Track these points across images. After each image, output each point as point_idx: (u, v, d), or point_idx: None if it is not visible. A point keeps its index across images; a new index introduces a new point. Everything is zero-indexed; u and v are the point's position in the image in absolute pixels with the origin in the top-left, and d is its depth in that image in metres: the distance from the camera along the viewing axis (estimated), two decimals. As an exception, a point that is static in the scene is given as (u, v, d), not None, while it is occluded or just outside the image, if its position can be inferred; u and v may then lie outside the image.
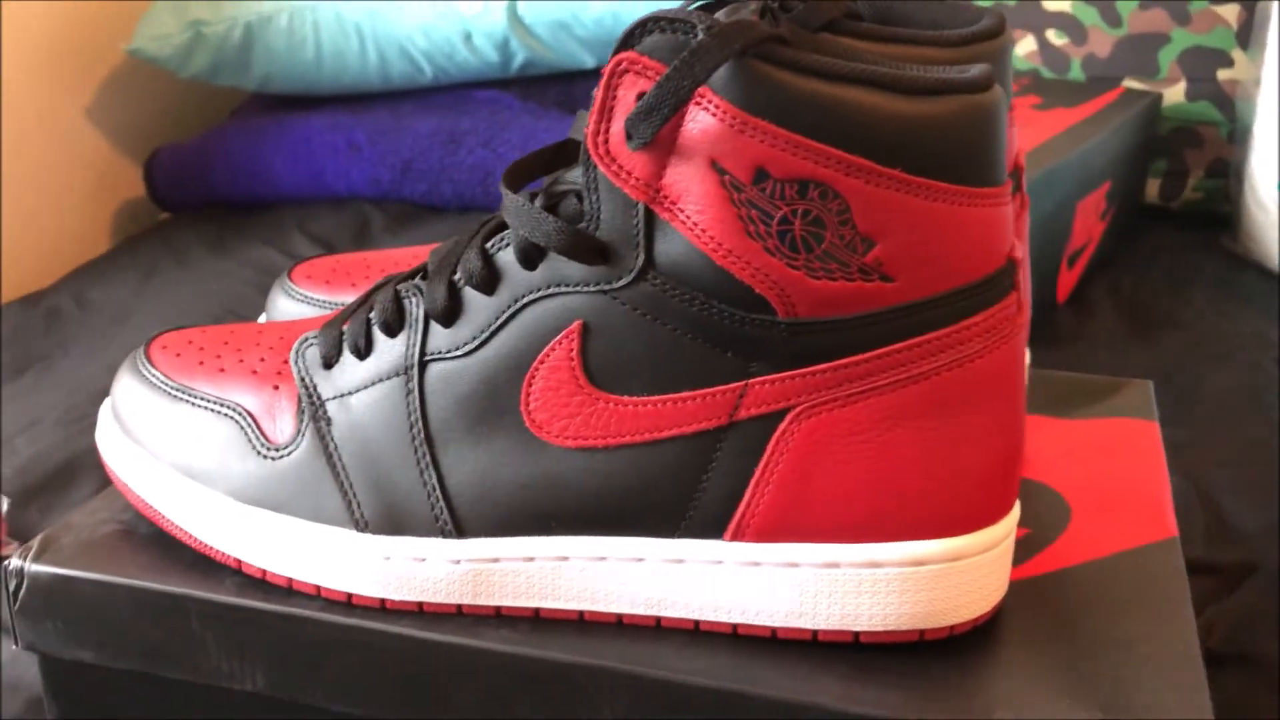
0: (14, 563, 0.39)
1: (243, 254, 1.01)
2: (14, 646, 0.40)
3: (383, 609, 0.36)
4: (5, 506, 0.63)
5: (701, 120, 0.31)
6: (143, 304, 0.94)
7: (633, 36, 0.32)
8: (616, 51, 0.32)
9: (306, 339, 0.38)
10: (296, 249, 1.01)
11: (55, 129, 1.11)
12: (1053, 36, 1.05)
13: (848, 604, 0.34)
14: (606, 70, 0.32)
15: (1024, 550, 0.40)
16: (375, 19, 1.09)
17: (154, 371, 0.40)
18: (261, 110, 1.17)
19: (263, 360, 0.40)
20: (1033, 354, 0.80)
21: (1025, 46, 1.06)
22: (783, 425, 0.33)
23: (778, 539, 0.34)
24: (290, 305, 0.49)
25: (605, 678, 0.34)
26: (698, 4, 0.37)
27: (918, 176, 0.31)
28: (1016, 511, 0.36)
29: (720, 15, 0.35)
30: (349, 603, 0.37)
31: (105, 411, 0.41)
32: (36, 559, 0.39)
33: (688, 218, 0.32)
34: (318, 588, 0.37)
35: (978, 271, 0.33)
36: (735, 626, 0.35)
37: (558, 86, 1.16)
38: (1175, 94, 1.01)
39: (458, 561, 0.35)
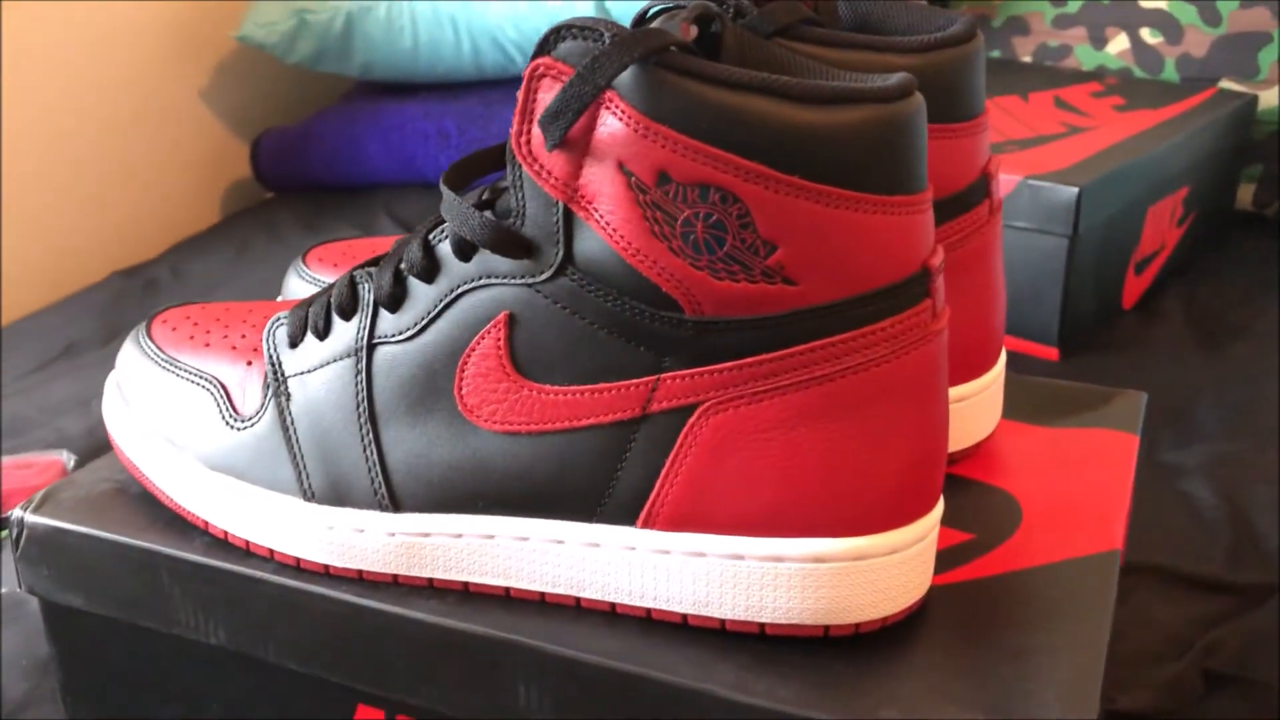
0: (15, 513, 0.43)
1: (331, 234, 1.06)
2: (18, 589, 0.44)
3: (327, 574, 0.39)
4: (71, 464, 0.68)
5: (610, 124, 0.33)
6: (233, 277, 1.00)
7: (548, 42, 0.33)
8: (534, 56, 0.33)
9: (278, 319, 0.41)
10: (382, 231, 1.05)
11: (171, 110, 1.18)
12: (1146, 35, 1.02)
13: (752, 596, 0.35)
14: (526, 73, 0.33)
15: (964, 554, 0.40)
16: (469, 10, 1.12)
17: (149, 343, 0.43)
18: (362, 97, 1.22)
19: (243, 337, 0.42)
20: (1090, 359, 0.79)
21: (1117, 45, 1.03)
22: (692, 419, 0.34)
23: (686, 529, 0.35)
24: (301, 286, 0.52)
25: (519, 652, 0.36)
26: (659, 9, 0.39)
27: (817, 183, 0.32)
28: (933, 517, 0.36)
29: (659, 21, 0.36)
30: (298, 567, 0.39)
31: (111, 379, 0.45)
32: (35, 510, 0.43)
33: (601, 217, 0.34)
34: (271, 551, 0.39)
35: (884, 278, 0.33)
36: (649, 611, 0.36)
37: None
38: (1273, 96, 0.98)
39: (393, 534, 0.38)
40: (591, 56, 0.32)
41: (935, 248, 0.35)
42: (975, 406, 0.45)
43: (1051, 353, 0.81)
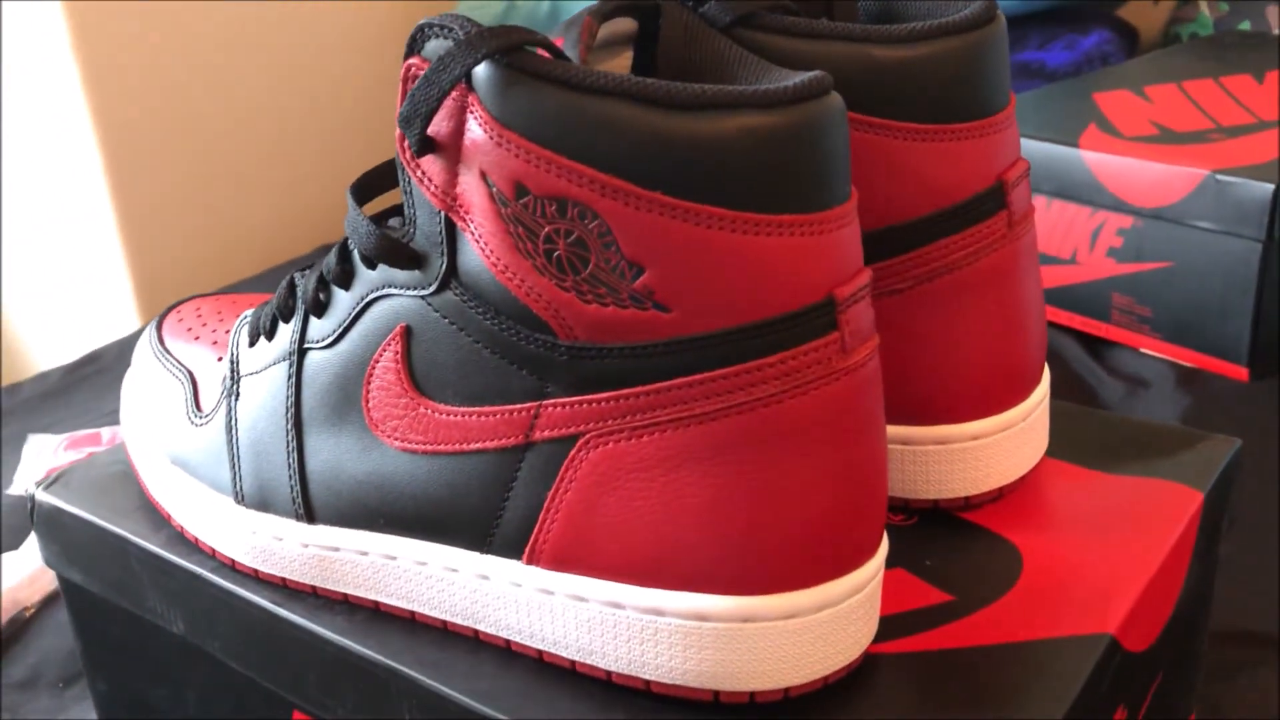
0: (30, 488, 0.45)
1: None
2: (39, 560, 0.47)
3: (257, 578, 0.39)
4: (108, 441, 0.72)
5: (472, 129, 0.30)
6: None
7: (415, 41, 0.31)
8: (405, 55, 0.31)
9: (245, 316, 0.41)
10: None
11: (392, 88, 1.22)
12: None
13: (634, 649, 0.32)
14: (400, 75, 0.31)
15: (934, 618, 0.35)
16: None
17: (155, 331, 0.45)
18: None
19: (227, 332, 0.43)
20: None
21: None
22: (573, 451, 0.31)
23: (568, 569, 0.32)
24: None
25: (403, 680, 0.34)
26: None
27: (685, 200, 0.28)
28: (850, 580, 0.31)
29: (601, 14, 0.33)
30: (234, 568, 0.39)
31: (130, 367, 0.46)
32: (46, 489, 0.45)
33: (474, 230, 0.31)
34: (213, 550, 0.40)
35: (773, 308, 0.29)
36: (541, 653, 0.34)
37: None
38: None
39: (306, 545, 0.37)
40: (439, 57, 0.29)
41: (856, 273, 0.30)
42: (993, 447, 0.39)
43: (1240, 372, 0.71)
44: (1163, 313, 0.75)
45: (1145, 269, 0.75)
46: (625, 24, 0.35)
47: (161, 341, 0.44)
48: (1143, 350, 0.76)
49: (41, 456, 0.72)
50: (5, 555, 0.62)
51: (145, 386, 0.43)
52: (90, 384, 0.86)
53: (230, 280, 1.06)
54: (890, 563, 0.38)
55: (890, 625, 0.35)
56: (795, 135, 0.29)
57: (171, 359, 0.43)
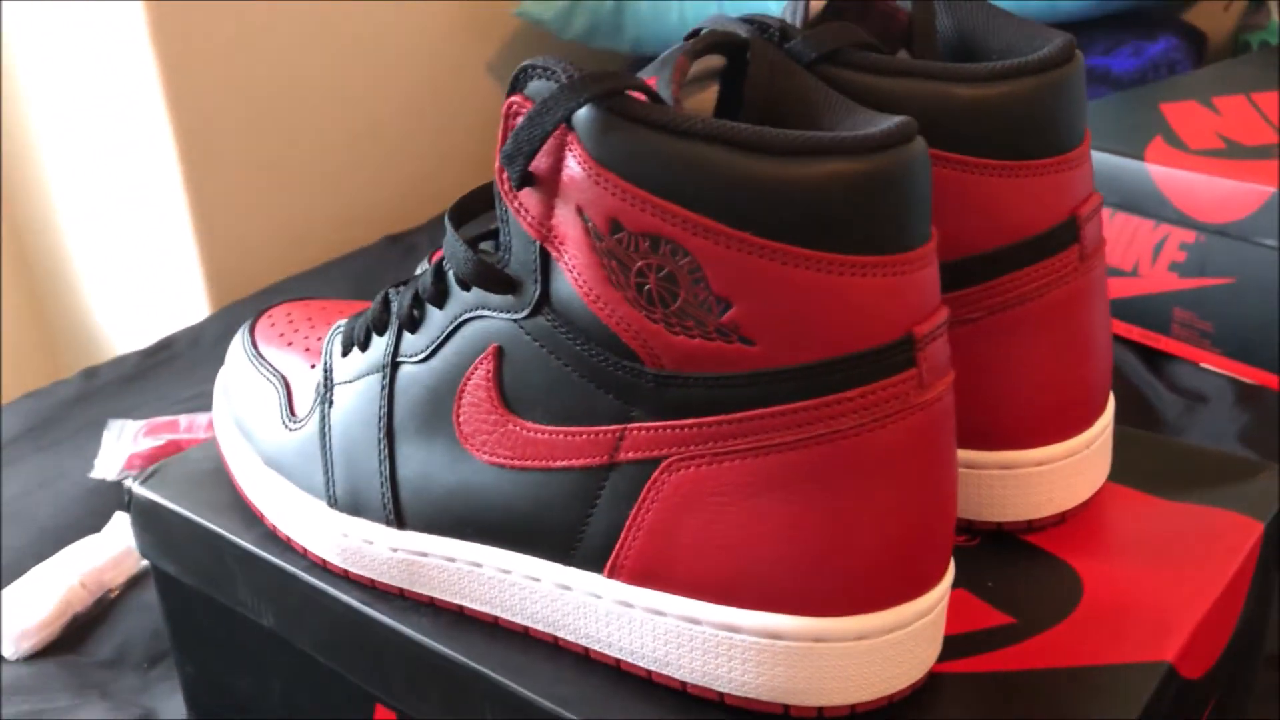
0: (128, 482, 0.47)
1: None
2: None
3: (346, 579, 0.40)
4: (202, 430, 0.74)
5: (571, 166, 0.32)
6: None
7: (518, 80, 0.32)
8: (509, 93, 0.33)
9: (338, 326, 0.43)
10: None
11: (453, 84, 1.24)
12: None
13: (709, 662, 0.33)
14: (502, 110, 0.33)
15: (996, 640, 0.37)
16: (733, -13, 1.11)
17: (248, 336, 0.47)
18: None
19: (320, 339, 0.45)
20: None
21: None
22: (656, 473, 0.33)
23: (647, 584, 0.34)
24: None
25: (485, 682, 0.36)
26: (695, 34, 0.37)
27: (772, 240, 0.30)
28: (918, 605, 0.33)
29: (687, 48, 0.34)
30: (325, 568, 0.41)
31: (223, 366, 0.48)
32: (143, 483, 0.47)
33: (568, 260, 0.33)
34: (305, 550, 0.42)
35: (855, 344, 0.31)
36: (619, 662, 0.36)
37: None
38: None
39: (396, 550, 0.39)
40: (542, 99, 0.31)
41: (934, 311, 0.32)
42: (1058, 473, 0.40)
43: (1306, 393, 0.71)
44: (1224, 329, 0.75)
45: (1208, 284, 0.75)
46: (712, 60, 0.36)
47: (255, 345, 0.46)
48: (1203, 365, 0.77)
49: (121, 442, 0.74)
50: (91, 538, 0.64)
51: (239, 388, 0.45)
52: (165, 370, 0.88)
53: (299, 270, 1.08)
54: (953, 583, 0.39)
55: (953, 645, 0.36)
56: (881, 181, 0.30)
57: (265, 363, 0.45)
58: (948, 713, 0.34)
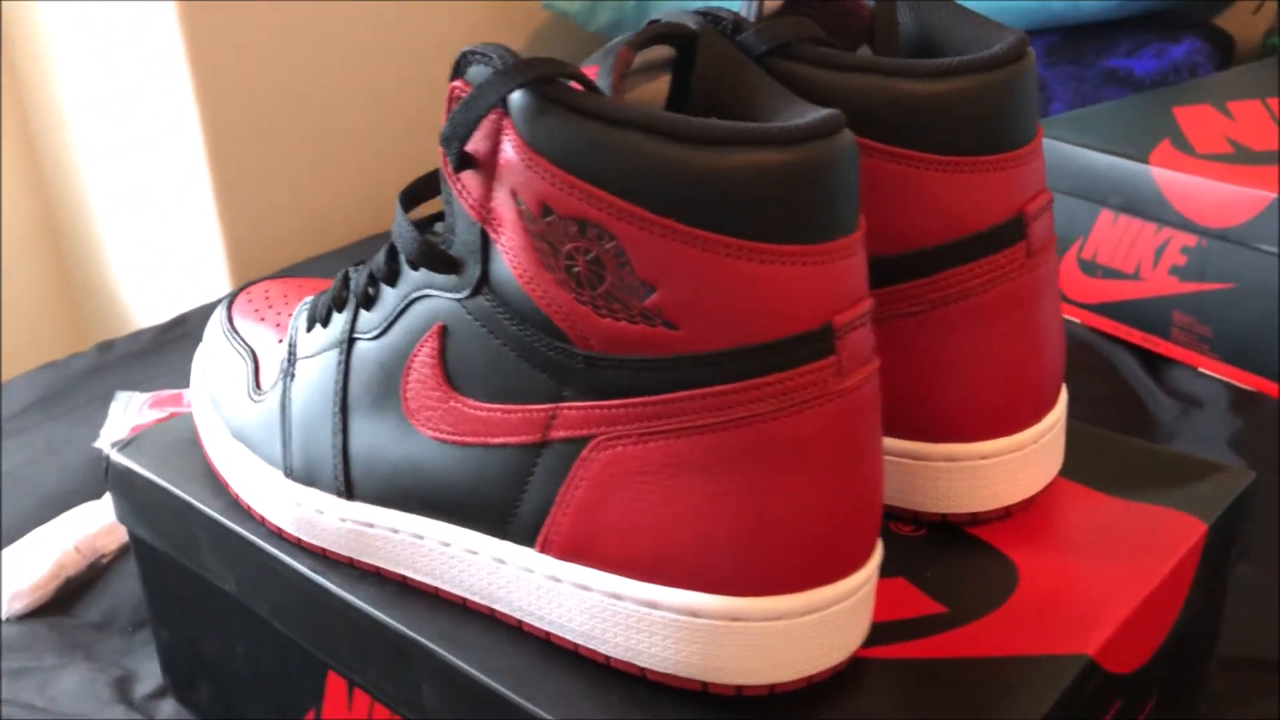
0: (105, 449, 0.49)
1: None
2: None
3: (300, 547, 0.42)
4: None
5: (506, 150, 0.32)
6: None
7: (459, 66, 0.33)
8: (451, 78, 0.33)
9: (306, 302, 0.44)
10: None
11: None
12: None
13: (631, 638, 0.34)
14: (446, 95, 0.34)
15: (924, 628, 0.37)
16: (753, -19, 1.11)
17: (226, 310, 0.48)
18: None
19: (291, 315, 0.46)
20: None
21: None
22: (585, 452, 0.34)
23: (575, 559, 0.35)
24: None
25: (420, 650, 0.37)
26: (651, 21, 0.37)
27: (695, 228, 0.30)
28: (837, 589, 0.33)
29: (644, 38, 0.35)
30: (281, 536, 0.42)
31: (203, 340, 0.50)
32: (120, 450, 0.48)
33: (505, 242, 0.34)
34: (263, 518, 0.43)
35: (774, 331, 0.31)
36: (549, 635, 0.36)
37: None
38: None
39: (344, 520, 0.40)
40: (478, 85, 0.32)
41: (857, 301, 0.32)
42: (1003, 467, 0.41)
43: (1303, 399, 0.71)
44: (1223, 334, 0.75)
45: (1207, 289, 0.75)
46: (665, 51, 0.37)
47: (231, 320, 0.47)
48: (1201, 370, 0.76)
49: (127, 413, 0.76)
50: (88, 505, 0.66)
51: (213, 361, 0.46)
52: (178, 345, 0.90)
53: (318, 251, 1.10)
54: (892, 572, 0.39)
55: (882, 632, 0.37)
56: (802, 172, 0.30)
57: (238, 337, 0.46)
58: (866, 698, 0.35)
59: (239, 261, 1.11)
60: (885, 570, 0.39)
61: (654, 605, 0.34)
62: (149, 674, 0.55)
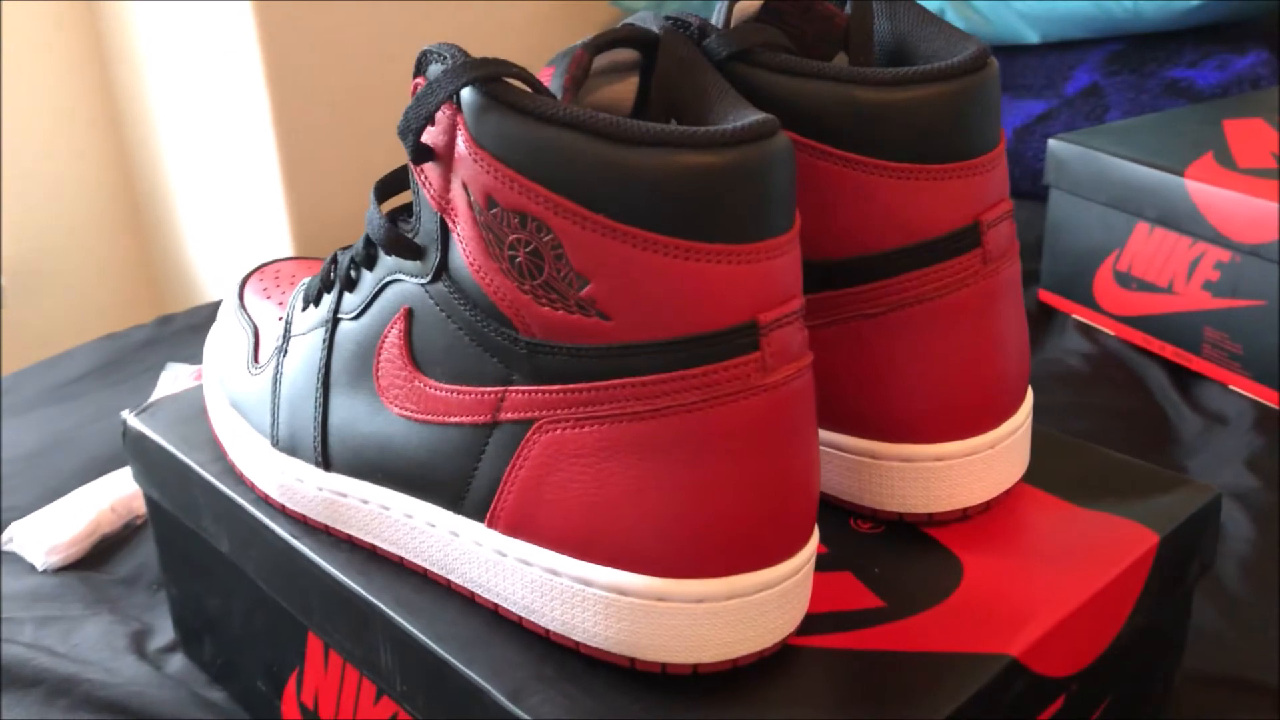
0: (124, 413, 0.52)
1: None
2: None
3: (284, 513, 0.44)
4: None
5: (459, 145, 0.34)
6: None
7: (419, 64, 0.35)
8: (414, 75, 0.35)
9: (304, 282, 0.46)
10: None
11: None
12: None
13: (567, 612, 0.36)
14: (410, 90, 0.36)
15: (858, 620, 0.38)
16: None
17: (238, 287, 0.51)
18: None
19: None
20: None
21: None
22: (528, 434, 0.36)
23: (518, 535, 0.37)
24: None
25: (378, 616, 0.39)
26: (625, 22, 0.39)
27: (625, 224, 0.32)
28: (760, 577, 0.35)
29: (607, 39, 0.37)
30: (267, 502, 0.45)
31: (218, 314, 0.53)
32: (137, 415, 0.52)
33: (459, 231, 0.35)
34: (253, 484, 0.45)
35: (700, 325, 0.33)
36: (497, 607, 0.38)
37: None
38: None
39: (321, 489, 0.42)
40: (430, 81, 0.34)
41: (786, 299, 0.34)
42: (957, 469, 0.41)
43: (1321, 420, 0.70)
44: (1254, 351, 0.74)
45: (1239, 305, 0.74)
46: (632, 53, 0.39)
47: (241, 296, 0.50)
48: (1231, 387, 0.75)
49: (176, 384, 0.80)
50: (126, 469, 0.70)
51: (222, 335, 0.49)
52: (233, 321, 0.94)
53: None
54: (839, 565, 0.41)
55: (817, 622, 0.38)
56: (730, 174, 0.32)
57: (245, 313, 0.49)
58: (788, 682, 0.36)
59: (301, 242, 1.15)
60: (833, 563, 0.41)
61: (587, 583, 0.35)
62: (164, 629, 0.58)
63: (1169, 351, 0.79)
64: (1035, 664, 0.37)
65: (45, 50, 1.20)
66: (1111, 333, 0.83)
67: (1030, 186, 1.02)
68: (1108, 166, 0.80)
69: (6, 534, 0.66)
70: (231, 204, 1.21)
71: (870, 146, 0.38)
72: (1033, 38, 1.10)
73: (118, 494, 0.67)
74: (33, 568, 0.64)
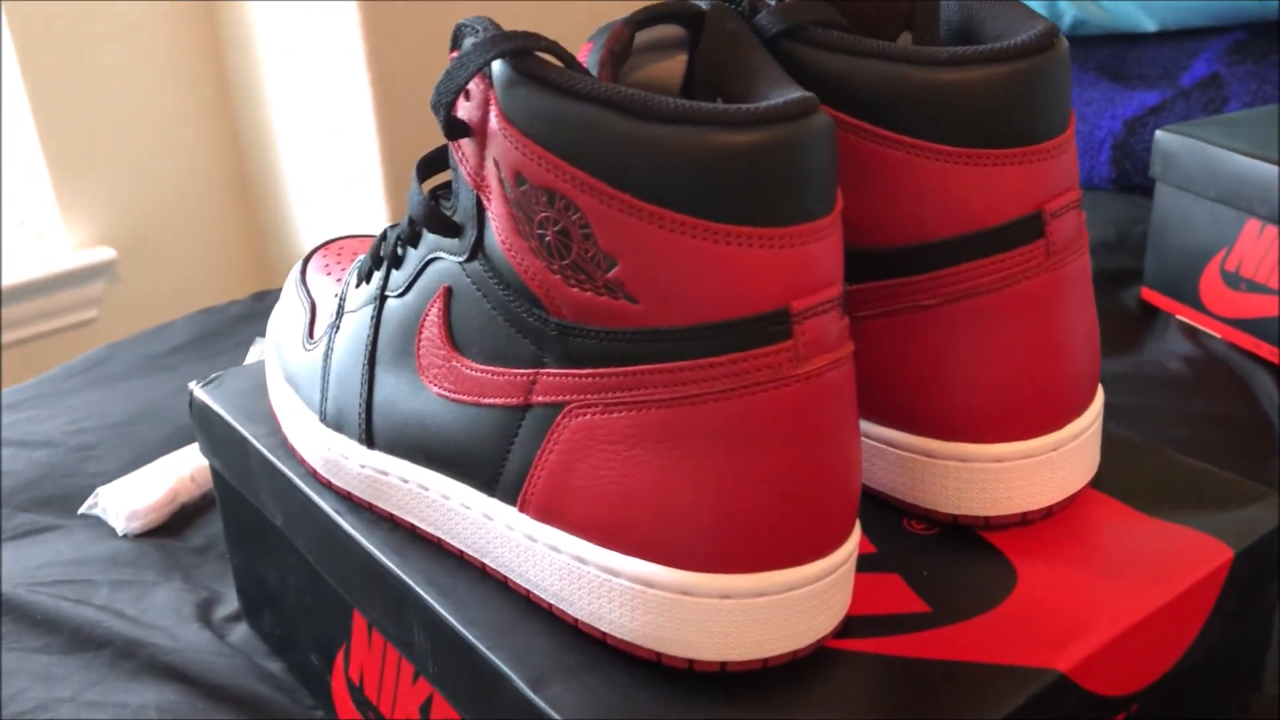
0: (191, 384, 0.53)
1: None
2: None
3: (330, 489, 0.44)
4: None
5: (491, 121, 0.34)
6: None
7: (455, 38, 0.35)
8: (450, 50, 0.35)
9: (360, 259, 0.46)
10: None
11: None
12: None
13: (594, 602, 0.35)
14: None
15: (902, 625, 0.37)
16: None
17: (303, 263, 0.51)
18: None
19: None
20: None
21: None
22: (559, 417, 0.35)
23: (547, 521, 0.36)
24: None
25: (412, 596, 0.39)
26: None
27: (651, 204, 0.31)
28: (791, 575, 0.33)
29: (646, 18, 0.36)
30: (315, 477, 0.45)
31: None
32: (202, 387, 0.52)
33: (493, 209, 0.35)
34: (303, 459, 0.45)
35: (729, 311, 0.31)
36: (529, 593, 0.38)
37: (1107, 49, 1.08)
38: None
39: (364, 466, 0.42)
40: (459, 55, 0.33)
41: (824, 286, 0.32)
42: (1016, 472, 0.39)
43: None
44: (1371, 358, 0.69)
45: (1357, 309, 0.70)
46: (678, 29, 0.37)
47: (304, 272, 0.50)
48: (1344, 395, 0.71)
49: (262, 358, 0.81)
50: (208, 439, 0.71)
51: (283, 309, 0.49)
52: (325, 299, 0.95)
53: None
54: (889, 567, 0.39)
55: (859, 625, 0.36)
56: (762, 154, 0.30)
57: (305, 289, 0.49)
58: (819, 686, 0.34)
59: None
60: (881, 564, 0.39)
61: (613, 572, 0.34)
62: (232, 598, 0.59)
63: (1278, 356, 0.75)
64: (1087, 681, 0.35)
65: (165, 40, 1.24)
66: (1217, 335, 0.78)
67: (1140, 179, 0.98)
68: (1217, 160, 0.76)
69: (93, 498, 0.68)
70: (334, 188, 1.23)
71: (925, 129, 0.36)
72: (1150, 26, 1.05)
73: (198, 463, 0.69)
74: (114, 532, 0.66)
